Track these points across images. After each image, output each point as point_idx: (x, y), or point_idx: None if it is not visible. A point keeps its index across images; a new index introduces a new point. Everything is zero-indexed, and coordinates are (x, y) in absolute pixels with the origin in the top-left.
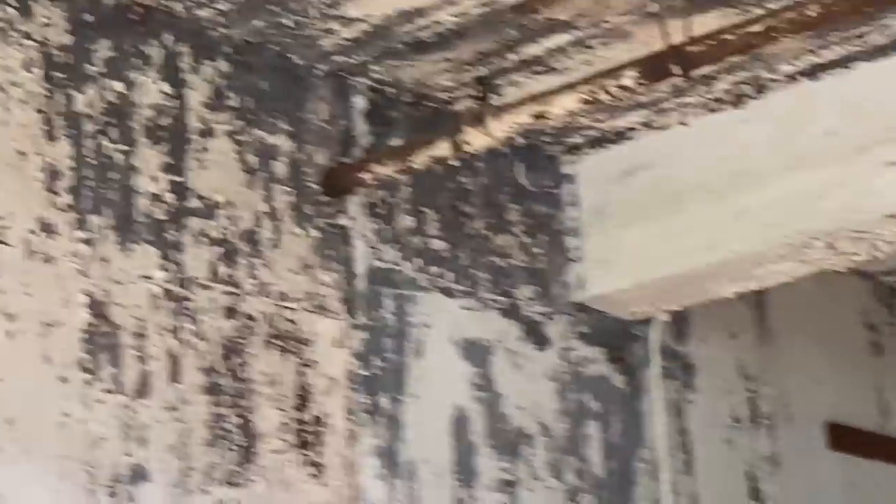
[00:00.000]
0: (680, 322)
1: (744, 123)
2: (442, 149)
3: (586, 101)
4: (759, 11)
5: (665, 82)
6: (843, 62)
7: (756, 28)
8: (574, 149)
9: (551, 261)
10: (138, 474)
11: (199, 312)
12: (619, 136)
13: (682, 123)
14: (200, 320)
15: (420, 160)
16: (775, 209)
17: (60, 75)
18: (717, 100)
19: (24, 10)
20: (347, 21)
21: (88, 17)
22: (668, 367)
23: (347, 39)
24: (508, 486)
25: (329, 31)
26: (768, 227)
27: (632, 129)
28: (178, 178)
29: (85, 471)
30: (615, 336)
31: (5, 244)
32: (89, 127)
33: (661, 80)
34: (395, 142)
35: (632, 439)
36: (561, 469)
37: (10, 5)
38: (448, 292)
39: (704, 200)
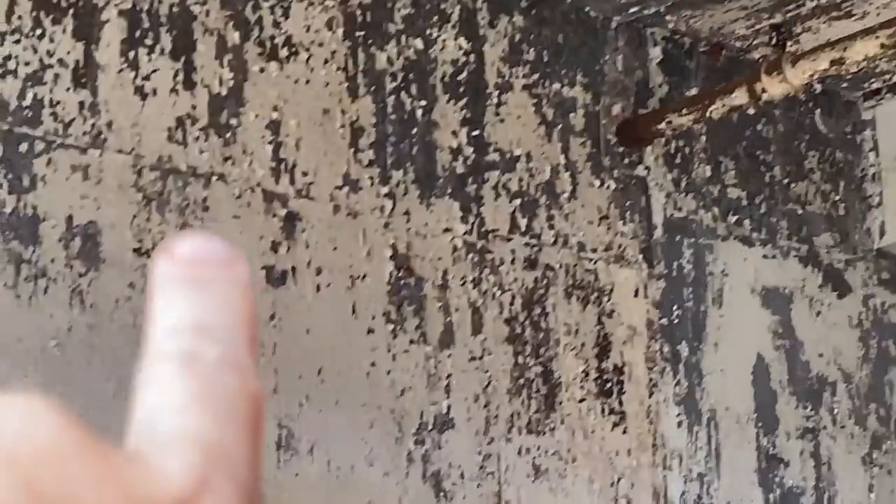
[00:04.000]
0: None
1: None
2: (739, 97)
3: (886, 46)
4: None
5: None
6: None
7: None
8: (873, 94)
9: (851, 207)
10: (444, 422)
11: (500, 264)
12: None
13: None
14: (501, 272)
15: (717, 109)
16: None
17: (362, 34)
18: None
19: None
20: None
21: None
22: None
23: None
24: (810, 433)
25: None
26: None
27: None
28: (477, 133)
29: (393, 419)
30: None
31: (312, 200)
32: (390, 84)
33: None
34: (691, 91)
35: None
36: (863, 416)
37: None
38: (747, 241)
39: None
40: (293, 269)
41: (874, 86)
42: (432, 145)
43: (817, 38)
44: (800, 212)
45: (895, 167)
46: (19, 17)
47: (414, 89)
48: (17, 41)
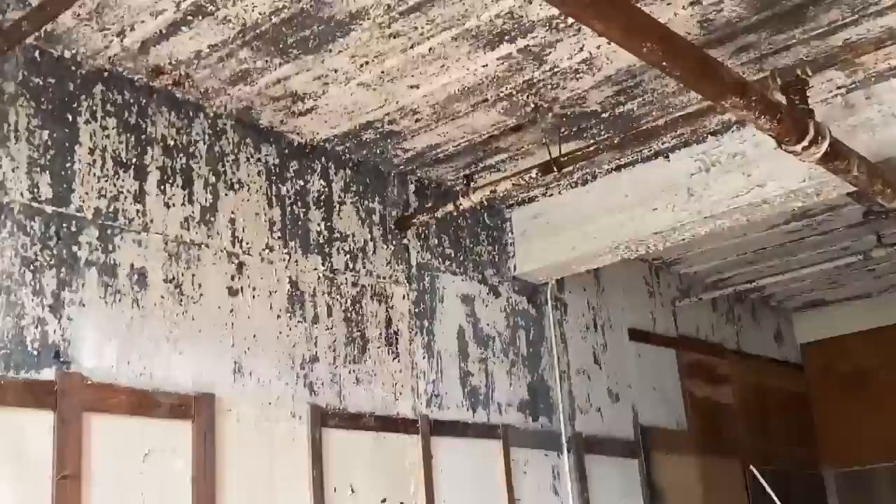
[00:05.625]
0: (561, 283)
1: (588, 193)
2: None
3: (515, 185)
4: (591, 141)
5: (551, 175)
6: (639, 161)
7: (591, 149)
8: (513, 205)
9: (502, 257)
10: None
11: None
12: (532, 199)
13: (559, 193)
14: None
15: None
16: (604, 232)
17: None
18: (576, 181)
19: None
20: None
21: None
22: (556, 304)
23: None
24: (482, 360)
25: None
26: (601, 240)
27: (537, 197)
28: None
29: None
30: (531, 290)
31: None
32: None
33: (547, 174)
34: None
35: (539, 338)
36: (508, 352)
37: None
38: (454, 273)
39: (571, 229)
40: None
41: (511, 201)
42: None
43: (486, 180)
44: (479, 260)
45: (521, 239)
46: None
47: None
48: None
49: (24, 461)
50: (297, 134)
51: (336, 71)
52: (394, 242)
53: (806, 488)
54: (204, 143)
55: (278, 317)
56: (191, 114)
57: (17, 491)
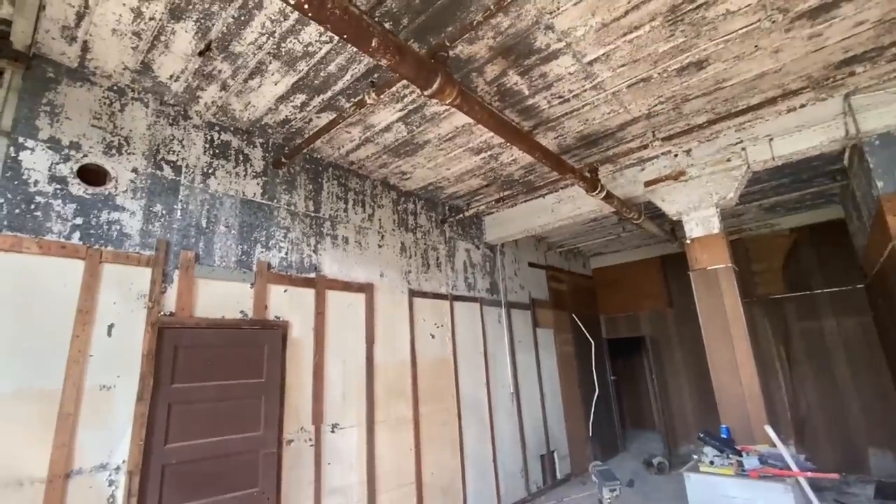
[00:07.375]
0: (504, 245)
1: (513, 210)
2: None
3: (486, 207)
4: (515, 191)
5: (500, 203)
6: (533, 198)
7: (515, 194)
8: (485, 214)
9: (481, 234)
10: None
11: None
12: (492, 212)
13: (503, 210)
14: None
15: None
16: (519, 225)
17: None
18: (510, 206)
19: None
20: None
21: None
22: (501, 252)
23: None
24: (473, 273)
25: None
26: (517, 229)
27: (494, 212)
28: None
29: None
30: (492, 247)
31: None
32: None
33: (499, 203)
34: None
35: (493, 265)
36: (482, 270)
37: None
38: (462, 240)
39: (507, 224)
40: None
41: (484, 213)
42: None
43: (473, 210)
44: (473, 235)
45: (488, 228)
46: None
47: None
48: None
49: (304, 308)
50: (403, 186)
51: (419, 163)
52: (439, 228)
53: (592, 323)
54: (369, 190)
55: (397, 255)
56: (364, 179)
57: (302, 317)
